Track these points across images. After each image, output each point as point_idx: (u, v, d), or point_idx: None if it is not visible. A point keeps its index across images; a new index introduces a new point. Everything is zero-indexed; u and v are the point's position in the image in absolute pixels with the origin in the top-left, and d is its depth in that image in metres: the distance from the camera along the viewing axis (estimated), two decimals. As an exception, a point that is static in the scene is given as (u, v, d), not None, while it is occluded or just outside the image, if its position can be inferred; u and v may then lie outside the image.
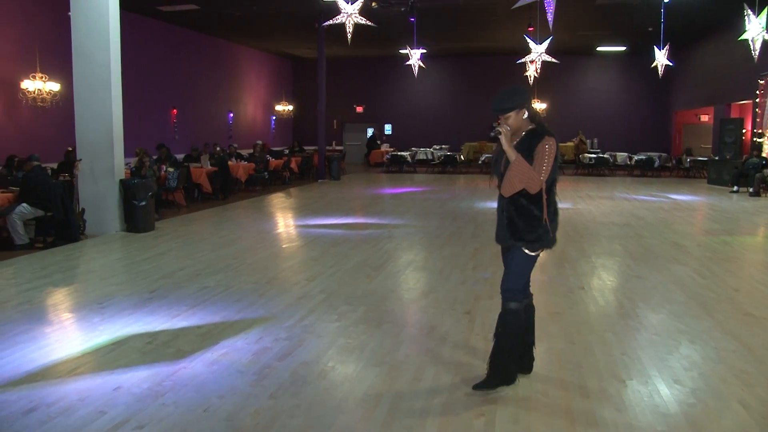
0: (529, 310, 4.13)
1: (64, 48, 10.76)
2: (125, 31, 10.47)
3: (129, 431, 3.47)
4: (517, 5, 8.54)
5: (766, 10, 12.93)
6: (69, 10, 10.14)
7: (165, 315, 5.65)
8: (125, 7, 10.37)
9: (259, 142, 19.94)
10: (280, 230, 10.85)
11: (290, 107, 28.19)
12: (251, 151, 19.20)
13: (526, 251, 3.85)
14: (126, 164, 11.29)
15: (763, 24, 12.87)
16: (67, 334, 5.16)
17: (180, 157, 16.83)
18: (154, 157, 13.86)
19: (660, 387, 4.07)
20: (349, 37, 11.67)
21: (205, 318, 5.56)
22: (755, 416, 3.66)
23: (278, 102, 27.58)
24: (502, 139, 3.79)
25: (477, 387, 3.98)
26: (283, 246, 9.35)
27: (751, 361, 4.55)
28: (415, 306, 6.10)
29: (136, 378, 4.20)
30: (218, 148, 17.14)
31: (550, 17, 8.95)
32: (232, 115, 23.68)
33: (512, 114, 3.84)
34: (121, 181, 10.35)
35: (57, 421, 3.59)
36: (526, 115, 3.87)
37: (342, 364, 4.49)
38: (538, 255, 3.92)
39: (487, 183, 4.30)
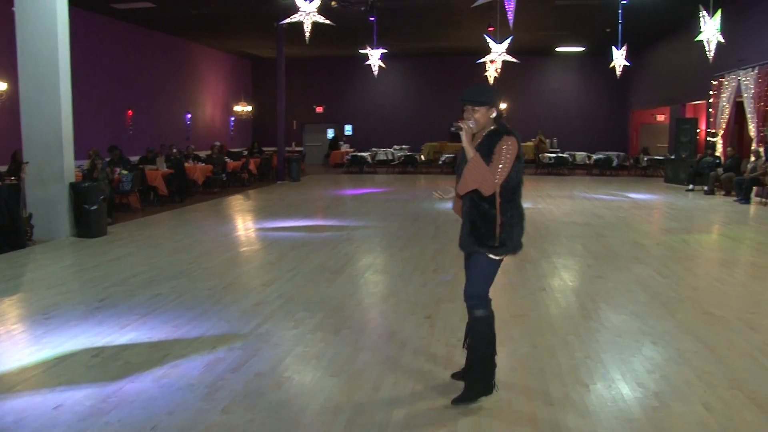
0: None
1: (9, 45, 10.35)
2: (76, 28, 10.13)
3: (69, 453, 3.25)
4: (476, 4, 8.45)
5: (719, 12, 13.10)
6: (13, 5, 9.76)
7: (114, 325, 5.40)
8: (75, 4, 10.03)
9: (217, 143, 19.61)
10: (238, 233, 10.61)
11: (249, 108, 27.82)
12: (209, 152, 18.85)
13: (491, 256, 3.71)
14: (78, 167, 10.93)
15: (717, 26, 13.04)
16: (6, 349, 4.87)
17: (135, 159, 16.43)
18: (107, 159, 13.45)
19: (624, 391, 3.99)
20: (307, 36, 11.46)
21: (156, 328, 5.33)
22: (719, 418, 3.59)
23: (237, 102, 27.19)
24: (463, 135, 3.62)
25: (456, 401, 3.79)
26: (241, 250, 9.12)
27: (713, 361, 4.50)
28: (374, 311, 5.95)
29: (80, 395, 3.96)
30: (174, 150, 16.77)
31: (510, 17, 8.89)
32: (189, 115, 23.24)
33: (482, 109, 3.68)
34: (71, 184, 9.99)
35: (-9, 443, 3.36)
36: (494, 115, 3.72)
37: (299, 374, 4.32)
38: (501, 260, 3.78)
39: (448, 184, 4.04)
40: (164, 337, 5.07)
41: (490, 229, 3.66)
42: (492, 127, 3.72)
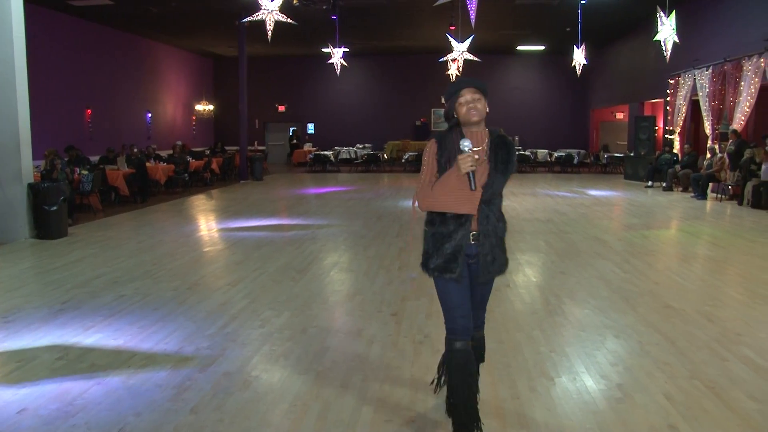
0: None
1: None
2: (32, 26, 9.93)
3: (35, 457, 3.20)
4: (438, 3, 8.51)
5: (674, 12, 13.40)
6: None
7: (78, 327, 5.32)
8: (32, 1, 9.81)
9: (179, 142, 19.42)
10: (201, 233, 10.52)
11: (211, 107, 27.56)
12: (171, 152, 18.63)
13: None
14: (35, 167, 10.72)
15: (673, 26, 13.33)
16: (-33, 352, 4.78)
17: (96, 159, 16.17)
18: (65, 159, 13.21)
19: (588, 383, 4.07)
20: (269, 35, 11.40)
21: (121, 329, 5.27)
22: (679, 408, 3.69)
23: (199, 101, 26.90)
24: (467, 164, 3.05)
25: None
26: (205, 250, 9.05)
27: (673, 353, 4.62)
28: (341, 309, 5.97)
29: (44, 398, 3.90)
30: (135, 150, 16.54)
31: (472, 15, 8.97)
32: (150, 115, 22.93)
33: (484, 99, 3.19)
34: (29, 185, 9.80)
35: (-47, 449, 3.30)
36: (487, 108, 3.25)
37: (267, 373, 4.32)
38: None
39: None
40: (130, 339, 5.02)
41: (504, 245, 3.36)
42: (487, 130, 3.25)
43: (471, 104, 3.14)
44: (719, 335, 5.01)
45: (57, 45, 17.17)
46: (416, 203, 3.25)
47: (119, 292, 6.47)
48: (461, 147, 3.06)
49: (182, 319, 5.55)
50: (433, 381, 3.83)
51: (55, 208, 9.72)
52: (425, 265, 3.29)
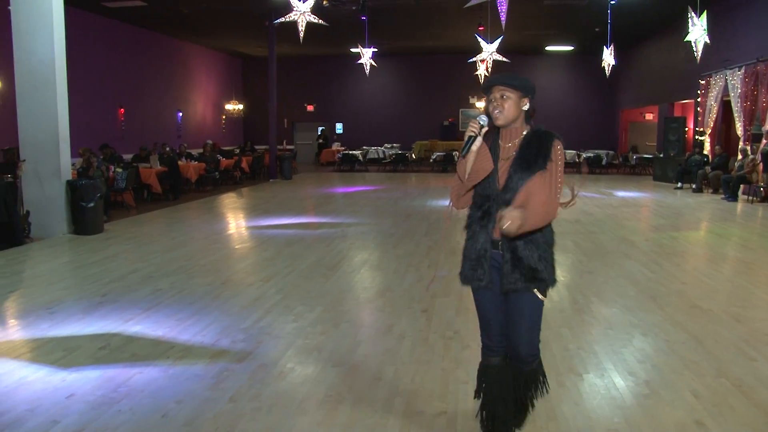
0: None
1: (5, 43, 10.41)
2: (68, 27, 10.17)
3: (84, 440, 3.37)
4: (469, 5, 8.62)
5: (705, 13, 13.32)
6: (8, 4, 9.82)
7: (117, 319, 5.51)
8: (67, 2, 10.08)
9: (209, 141, 19.68)
10: (232, 231, 10.72)
11: (240, 106, 27.87)
12: (201, 150, 18.92)
13: (538, 294, 3.00)
14: (71, 165, 11.00)
15: (704, 26, 13.26)
16: (14, 342, 4.98)
17: (128, 157, 16.50)
18: (101, 157, 13.52)
19: (615, 379, 4.15)
20: (301, 36, 11.59)
21: (159, 321, 5.45)
22: (706, 405, 3.76)
23: (228, 101, 27.23)
24: (477, 138, 2.92)
25: None
26: (236, 247, 9.24)
27: (700, 351, 4.67)
28: (371, 305, 6.09)
29: (90, 385, 4.08)
30: (168, 148, 16.83)
31: (502, 17, 9.06)
32: (180, 114, 23.29)
33: (515, 95, 2.91)
34: (68, 182, 10.07)
35: None
36: (527, 107, 2.98)
37: (301, 365, 4.46)
38: None
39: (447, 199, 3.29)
40: (168, 330, 5.20)
41: (547, 257, 2.99)
42: (527, 130, 3.00)
43: (495, 103, 2.93)
44: (747, 335, 5.05)
45: (90, 45, 17.53)
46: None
47: (155, 286, 6.66)
48: (479, 120, 2.93)
49: (217, 312, 5.71)
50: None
51: (92, 204, 9.98)
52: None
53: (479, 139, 2.94)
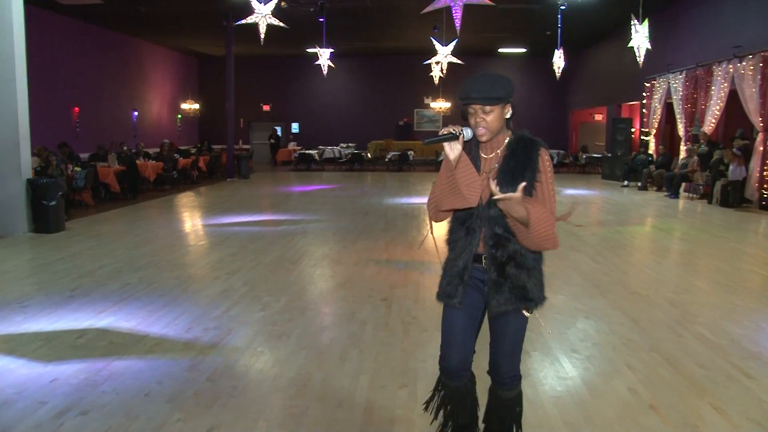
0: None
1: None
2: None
3: (73, 418, 3.62)
4: (426, 11, 8.99)
5: (647, 21, 13.99)
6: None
7: (90, 311, 5.73)
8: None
9: (166, 141, 19.71)
10: (195, 228, 10.92)
11: (196, 106, 27.84)
12: (158, 150, 18.96)
13: (526, 313, 2.80)
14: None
15: (646, 33, 13.92)
16: (-9, 332, 5.18)
17: (84, 156, 16.46)
18: (60, 156, 13.51)
19: (559, 356, 4.57)
20: (261, 38, 11.83)
21: (131, 313, 5.69)
22: (639, 375, 4.20)
23: (184, 100, 27.19)
24: (449, 150, 2.67)
25: None
26: (201, 243, 9.46)
27: (636, 331, 5.14)
28: (334, 295, 6.41)
29: (72, 370, 4.32)
30: (125, 147, 16.86)
31: (457, 24, 9.44)
32: (136, 113, 23.21)
33: (497, 108, 2.67)
34: (28, 180, 10.14)
35: (-2, 412, 3.71)
36: (509, 114, 2.75)
37: (271, 349, 4.77)
38: None
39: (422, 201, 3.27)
40: (141, 321, 5.44)
41: (537, 275, 2.81)
42: (508, 136, 2.79)
43: (478, 118, 2.70)
44: (679, 317, 5.54)
45: (44, 43, 17.41)
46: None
47: (124, 281, 6.87)
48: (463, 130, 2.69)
49: (187, 304, 5.98)
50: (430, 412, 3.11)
51: (53, 203, 10.07)
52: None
53: (458, 146, 2.67)
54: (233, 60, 20.34)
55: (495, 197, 2.51)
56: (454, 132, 2.65)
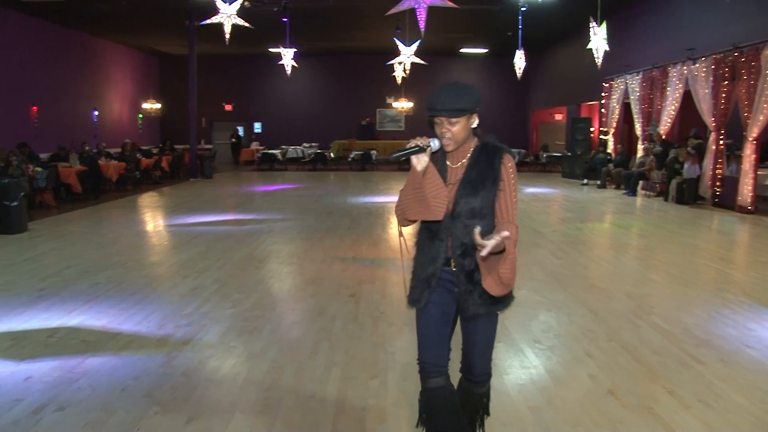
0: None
1: None
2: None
3: (50, 413, 3.68)
4: (391, 12, 9.15)
5: (605, 23, 14.36)
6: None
7: (60, 310, 5.75)
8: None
9: (128, 140, 19.55)
10: (161, 228, 10.91)
11: (158, 105, 27.59)
12: (119, 150, 18.79)
13: (498, 313, 2.89)
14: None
15: (604, 35, 14.30)
16: (-39, 332, 5.18)
17: (44, 156, 16.25)
18: (20, 156, 13.35)
19: (522, 346, 4.77)
20: (226, 38, 11.86)
21: (102, 311, 5.73)
22: (598, 362, 4.43)
23: (146, 100, 26.92)
24: (417, 162, 2.67)
25: None
26: (167, 243, 9.47)
27: (596, 322, 5.37)
28: (303, 292, 6.52)
29: (46, 368, 4.36)
30: (87, 147, 16.69)
31: (422, 25, 9.62)
32: (97, 113, 22.93)
33: (462, 119, 2.71)
34: (-11, 181, 10.04)
35: (-26, 409, 3.74)
36: (475, 124, 2.79)
37: (244, 344, 4.87)
38: None
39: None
40: (112, 319, 5.49)
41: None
42: (475, 143, 2.83)
43: (443, 128, 2.73)
44: (636, 308, 5.79)
45: (1, 40, 17.13)
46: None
47: (93, 281, 6.89)
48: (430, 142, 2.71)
49: (158, 302, 6.03)
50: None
51: (15, 203, 9.97)
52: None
53: (425, 158, 2.68)
54: (196, 59, 20.23)
55: (481, 253, 2.50)
56: (421, 145, 2.66)
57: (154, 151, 22.77)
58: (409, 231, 2.97)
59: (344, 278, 7.02)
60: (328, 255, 8.32)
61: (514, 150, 17.33)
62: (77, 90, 21.52)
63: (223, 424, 3.53)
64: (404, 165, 24.31)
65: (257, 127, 29.99)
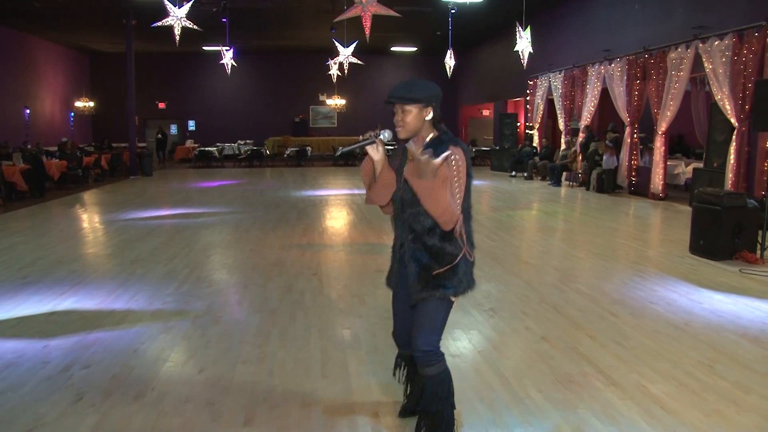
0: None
1: None
2: None
3: (79, 370, 4.31)
4: (339, 19, 9.88)
5: (529, 27, 15.50)
6: None
7: (50, 294, 6.28)
8: None
9: (64, 139, 19.61)
10: (117, 222, 11.31)
11: (91, 103, 27.46)
12: (54, 148, 18.85)
13: (452, 298, 3.00)
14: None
15: (529, 38, 15.43)
16: (-36, 314, 5.67)
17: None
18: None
19: (468, 308, 5.64)
20: (177, 40, 12.34)
21: (90, 293, 6.30)
22: (532, 319, 5.35)
23: (78, 98, 26.77)
24: (373, 152, 3.01)
25: None
26: (129, 235, 9.92)
27: (528, 289, 6.32)
28: (270, 273, 7.20)
29: (58, 339, 4.94)
30: (29, 146, 16.78)
31: (367, 32, 10.40)
32: (28, 111, 22.79)
33: (414, 108, 2.92)
34: (-54, 179, 10.28)
35: (7, 373, 4.30)
36: (430, 116, 2.96)
37: (228, 314, 5.57)
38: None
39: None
40: (102, 300, 6.08)
41: (459, 266, 2.95)
42: (432, 135, 3.00)
43: (397, 117, 2.97)
44: (562, 277, 6.77)
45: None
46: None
47: (70, 269, 7.40)
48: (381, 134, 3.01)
49: (139, 285, 6.63)
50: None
51: (-27, 200, 10.27)
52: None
53: (379, 149, 3.01)
54: (133, 57, 20.43)
55: (411, 156, 2.78)
56: (372, 136, 2.96)
57: (90, 149, 22.78)
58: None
59: (304, 261, 7.75)
60: (285, 242, 9.02)
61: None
62: (7, 88, 21.36)
63: (230, 373, 4.24)
64: (339, 161, 25.09)
65: (191, 125, 30.17)
